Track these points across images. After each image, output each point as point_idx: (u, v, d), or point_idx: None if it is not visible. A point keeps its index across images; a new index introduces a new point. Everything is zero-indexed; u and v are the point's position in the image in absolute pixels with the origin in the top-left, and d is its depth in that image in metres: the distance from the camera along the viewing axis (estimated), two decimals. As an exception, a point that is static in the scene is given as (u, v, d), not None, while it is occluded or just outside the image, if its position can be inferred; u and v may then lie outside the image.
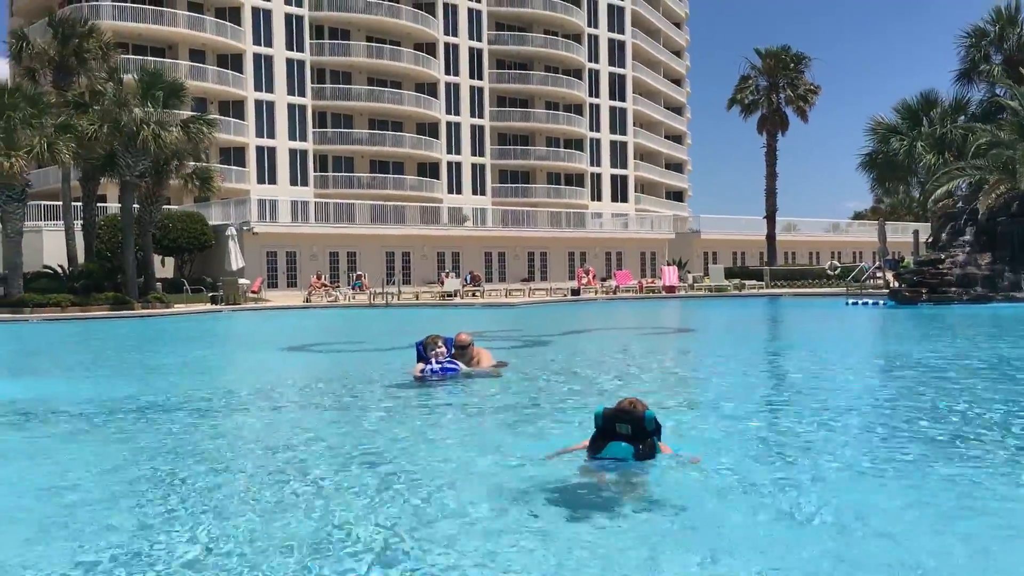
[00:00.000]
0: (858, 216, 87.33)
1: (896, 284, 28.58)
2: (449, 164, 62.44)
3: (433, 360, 10.04)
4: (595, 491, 5.45)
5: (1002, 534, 4.57)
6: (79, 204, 35.06)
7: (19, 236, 29.40)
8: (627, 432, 5.66)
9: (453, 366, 10.10)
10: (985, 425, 7.30)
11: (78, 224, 34.75)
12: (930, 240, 30.70)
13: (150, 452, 6.82)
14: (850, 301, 28.02)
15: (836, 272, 43.19)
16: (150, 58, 46.07)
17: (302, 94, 56.39)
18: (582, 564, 4.15)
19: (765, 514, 4.90)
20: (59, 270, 33.28)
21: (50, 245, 36.84)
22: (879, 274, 37.13)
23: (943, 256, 25.69)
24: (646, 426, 5.69)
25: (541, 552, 4.31)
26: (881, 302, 26.33)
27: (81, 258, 34.01)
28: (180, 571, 4.11)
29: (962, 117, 35.54)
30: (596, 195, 69.58)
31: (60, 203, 35.90)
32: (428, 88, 61.46)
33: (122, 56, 37.18)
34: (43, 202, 40.27)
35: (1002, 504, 5.04)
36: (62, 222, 35.26)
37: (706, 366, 13.13)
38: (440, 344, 10.15)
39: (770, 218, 49.43)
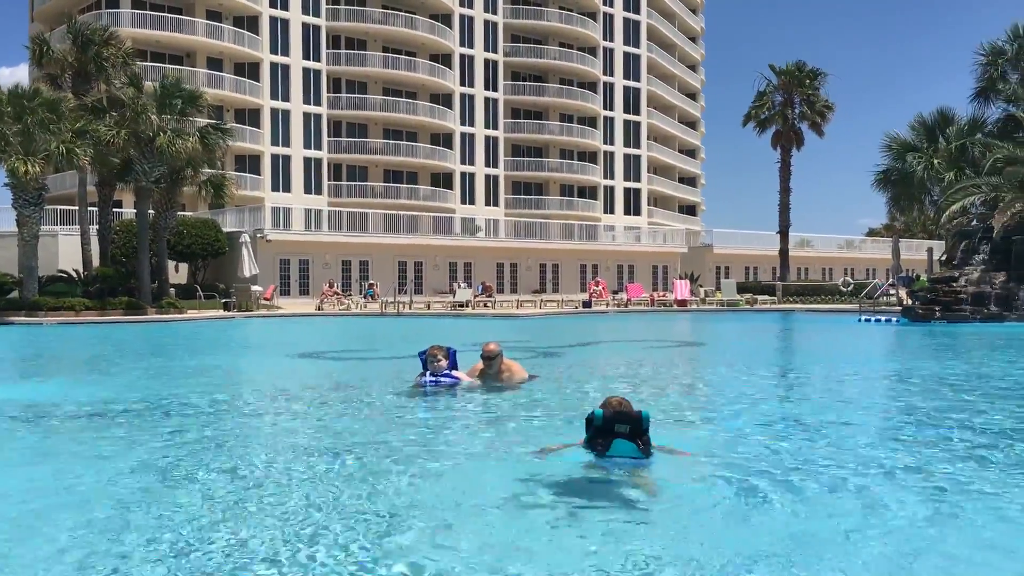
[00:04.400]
0: (872, 233, 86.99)
1: (909, 301, 28.41)
2: (462, 175, 62.64)
3: (428, 373, 9.94)
4: (608, 488, 5.65)
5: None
6: (95, 209, 35.38)
7: (35, 240, 29.58)
8: (626, 431, 5.94)
9: (450, 379, 9.93)
10: (991, 438, 7.27)
11: (93, 229, 35.02)
12: (944, 258, 30.51)
13: (156, 452, 6.86)
14: (862, 318, 27.89)
15: (849, 288, 43.00)
16: (168, 65, 46.43)
17: (318, 103, 56.75)
18: (601, 559, 4.15)
19: (765, 513, 4.89)
20: (74, 274, 33.51)
21: (65, 249, 37.12)
22: (892, 291, 36.93)
23: (957, 274, 25.53)
24: (642, 425, 6.00)
25: (552, 549, 4.31)
26: (893, 319, 26.20)
27: (96, 263, 34.25)
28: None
29: (979, 135, 35.33)
30: (609, 208, 69.64)
31: (76, 208, 36.19)
32: (443, 99, 61.74)
33: (140, 63, 37.50)
34: (59, 207, 40.59)
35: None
36: (78, 227, 35.54)
37: (714, 379, 13.09)
38: (440, 357, 9.90)
39: (783, 233, 49.34)
